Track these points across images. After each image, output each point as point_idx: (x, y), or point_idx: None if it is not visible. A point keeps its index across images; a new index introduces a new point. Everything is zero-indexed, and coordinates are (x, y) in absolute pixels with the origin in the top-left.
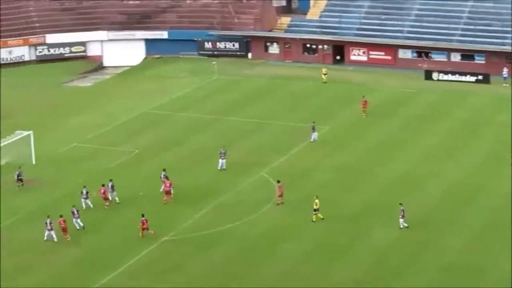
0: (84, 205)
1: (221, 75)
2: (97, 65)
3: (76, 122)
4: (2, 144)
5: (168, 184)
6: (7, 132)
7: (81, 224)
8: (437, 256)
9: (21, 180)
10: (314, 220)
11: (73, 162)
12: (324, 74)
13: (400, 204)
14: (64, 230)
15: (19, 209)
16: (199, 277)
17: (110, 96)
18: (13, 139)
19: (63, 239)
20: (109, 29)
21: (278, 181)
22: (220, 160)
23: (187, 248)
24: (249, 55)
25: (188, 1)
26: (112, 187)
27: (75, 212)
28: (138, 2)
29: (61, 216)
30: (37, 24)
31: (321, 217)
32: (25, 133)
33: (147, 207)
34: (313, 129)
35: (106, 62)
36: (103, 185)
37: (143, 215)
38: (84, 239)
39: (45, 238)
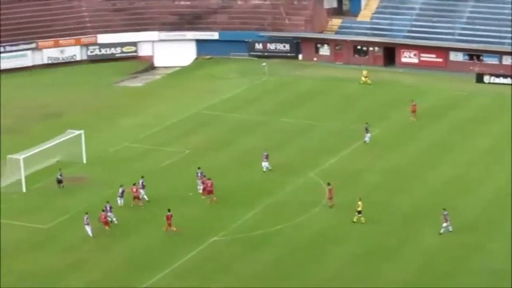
0: (119, 203)
1: (271, 76)
2: (148, 66)
3: (126, 122)
4: (53, 143)
5: (209, 184)
6: (58, 131)
7: (114, 219)
8: (486, 260)
9: (61, 181)
10: (354, 220)
11: (124, 162)
12: (365, 77)
13: (444, 209)
14: (106, 223)
15: (69, 208)
16: (248, 278)
17: (160, 97)
18: (64, 138)
19: (108, 235)
20: (160, 30)
21: (328, 184)
22: (263, 163)
23: (236, 248)
24: (300, 56)
25: (239, 2)
26: (143, 184)
27: (108, 208)
28: (189, 3)
29: (103, 210)
30: (89, 24)
31: (363, 221)
32: (76, 132)
33: (196, 208)
34: (366, 130)
35: (157, 63)
36: (134, 184)
37: (169, 210)
38: (135, 238)
39: (90, 234)
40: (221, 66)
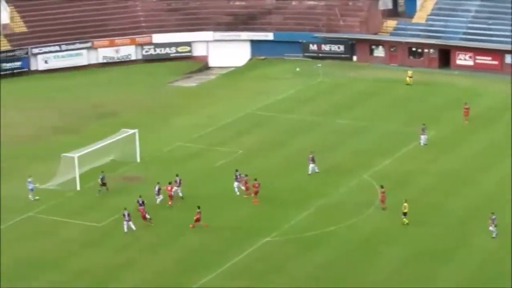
0: (158, 201)
1: (325, 77)
2: (202, 66)
3: (180, 122)
4: (108, 142)
5: (257, 185)
6: (113, 130)
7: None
8: None
9: (104, 184)
10: (406, 223)
11: (177, 162)
12: (410, 77)
13: (492, 213)
14: (144, 218)
15: (122, 206)
16: (300, 279)
17: (214, 97)
18: (119, 137)
19: (159, 235)
20: (215, 30)
21: (382, 187)
22: (310, 165)
23: (288, 249)
24: (354, 58)
25: (294, 3)
26: (180, 182)
27: (140, 201)
28: (244, 3)
29: (142, 202)
30: (144, 24)
31: (406, 221)
32: (131, 131)
33: (249, 208)
34: (423, 131)
35: (211, 63)
36: (170, 183)
37: (198, 207)
38: (186, 238)
39: (125, 230)
40: (275, 67)
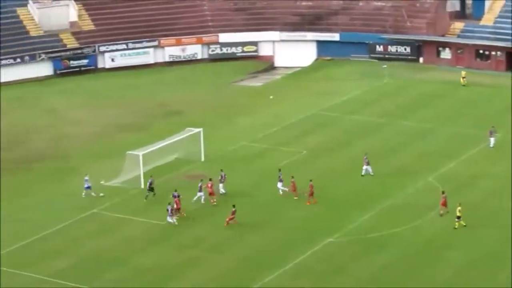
0: (194, 198)
1: (391, 79)
2: (268, 65)
3: (245, 121)
4: (173, 141)
5: (311, 186)
6: (178, 129)
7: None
8: None
9: (152, 189)
10: (456, 227)
11: (241, 161)
12: (463, 78)
13: None
14: (177, 209)
15: (186, 205)
16: (362, 280)
17: (279, 97)
18: (184, 136)
19: (221, 235)
20: (281, 30)
21: (443, 192)
22: (365, 167)
23: (351, 250)
24: (420, 59)
25: (360, 4)
26: (224, 177)
27: (176, 194)
28: (311, 3)
29: (178, 196)
30: (211, 23)
31: (464, 224)
32: (195, 130)
33: (313, 208)
34: (491, 134)
35: (277, 63)
36: (210, 179)
37: (234, 206)
38: (250, 238)
39: (169, 220)
40: (341, 68)
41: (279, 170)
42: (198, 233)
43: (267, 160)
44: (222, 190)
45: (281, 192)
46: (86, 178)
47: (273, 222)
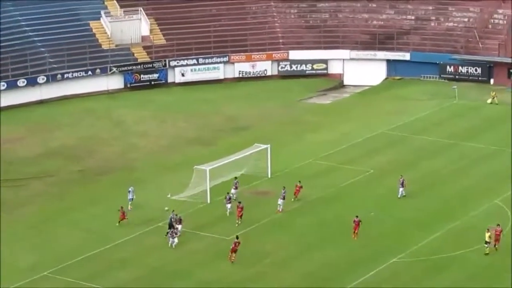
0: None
1: (461, 100)
2: (337, 83)
3: (312, 138)
4: (240, 156)
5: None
6: (245, 144)
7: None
8: None
9: (172, 226)
10: (487, 252)
11: (307, 178)
12: (493, 97)
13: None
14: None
15: (252, 220)
16: None
17: (348, 115)
18: (251, 152)
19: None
20: (351, 48)
21: (498, 225)
22: (400, 189)
23: (415, 271)
24: (491, 80)
25: (432, 24)
26: (237, 185)
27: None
28: (382, 22)
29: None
30: (281, 40)
31: (487, 251)
32: (263, 146)
33: (378, 227)
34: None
35: (346, 81)
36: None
37: (237, 237)
38: (314, 254)
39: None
40: (411, 87)
41: (283, 187)
42: (263, 248)
43: (333, 178)
44: (234, 196)
45: (280, 209)
46: (130, 189)
47: (338, 239)
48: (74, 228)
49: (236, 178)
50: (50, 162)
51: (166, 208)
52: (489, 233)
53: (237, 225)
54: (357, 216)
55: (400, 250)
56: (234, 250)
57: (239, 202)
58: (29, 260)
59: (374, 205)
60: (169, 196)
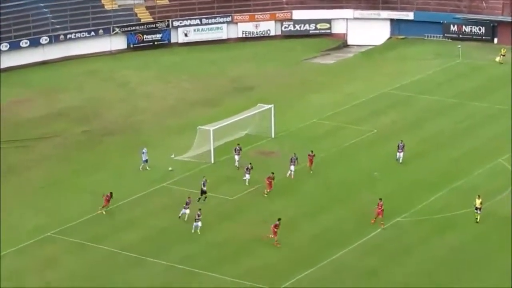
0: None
1: (464, 59)
2: (341, 43)
3: (316, 98)
4: (244, 116)
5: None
6: (249, 105)
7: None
8: None
9: (204, 192)
10: (477, 220)
11: (311, 138)
12: (502, 55)
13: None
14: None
15: (255, 181)
16: (429, 261)
17: (352, 75)
18: (255, 112)
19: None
20: (355, 8)
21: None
22: (398, 153)
23: (419, 231)
24: (495, 40)
25: None
26: (239, 150)
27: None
28: None
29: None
30: (285, 0)
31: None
32: (266, 106)
33: (383, 188)
34: None
35: (350, 41)
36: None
37: (380, 199)
38: (321, 216)
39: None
40: (414, 47)
41: (294, 154)
42: (269, 209)
43: (337, 138)
44: (236, 164)
45: (290, 174)
46: (144, 151)
47: (344, 201)
48: (81, 191)
49: (238, 144)
50: (56, 124)
51: (170, 168)
52: (480, 200)
53: (265, 195)
54: (380, 199)
55: (405, 209)
56: (275, 233)
57: (272, 173)
58: (35, 221)
59: (378, 165)
60: (172, 156)
